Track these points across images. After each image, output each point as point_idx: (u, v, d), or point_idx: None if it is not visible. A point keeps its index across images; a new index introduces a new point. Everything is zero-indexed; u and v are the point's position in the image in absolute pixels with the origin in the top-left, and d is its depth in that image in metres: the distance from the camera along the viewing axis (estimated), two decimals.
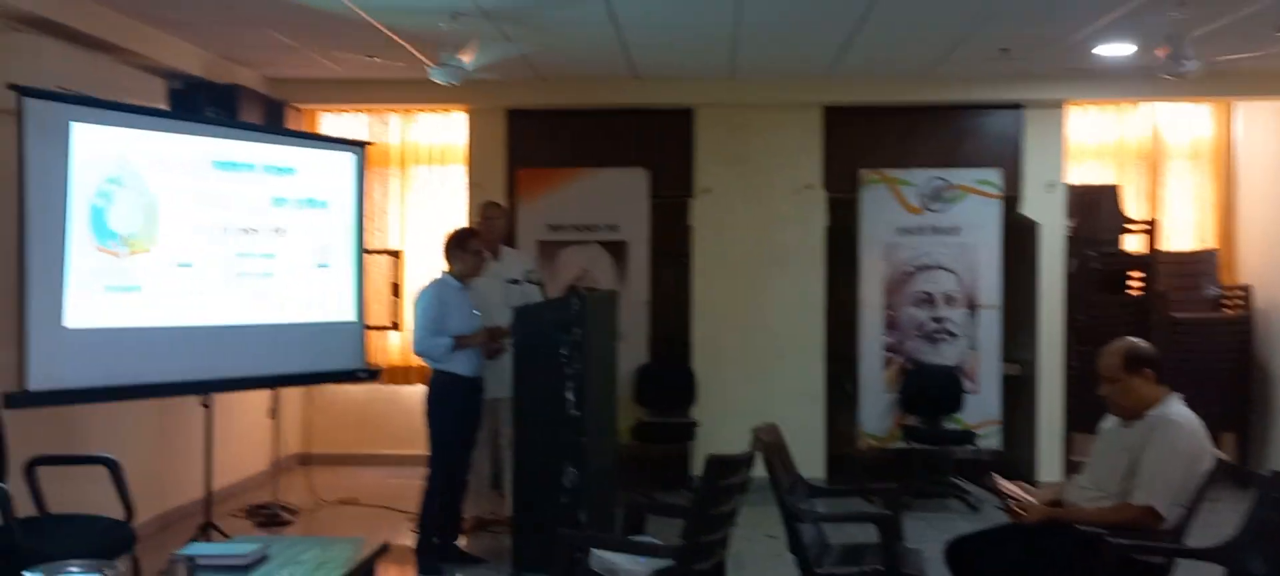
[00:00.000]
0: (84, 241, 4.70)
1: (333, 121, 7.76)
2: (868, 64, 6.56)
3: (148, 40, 5.62)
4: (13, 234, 4.43)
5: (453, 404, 5.16)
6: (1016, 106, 7.22)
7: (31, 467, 3.91)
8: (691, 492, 5.29)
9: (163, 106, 5.93)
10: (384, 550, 3.69)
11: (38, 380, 4.45)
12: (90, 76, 5.16)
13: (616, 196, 7.20)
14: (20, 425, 4.22)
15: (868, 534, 4.09)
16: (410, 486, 6.67)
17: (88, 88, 5.00)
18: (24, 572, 2.48)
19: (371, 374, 6.35)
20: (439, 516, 5.23)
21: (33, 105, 4.50)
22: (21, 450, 3.96)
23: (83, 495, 3.95)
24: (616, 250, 7.18)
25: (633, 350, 7.01)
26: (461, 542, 5.43)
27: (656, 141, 7.36)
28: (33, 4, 4.69)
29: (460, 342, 5.09)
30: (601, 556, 3.70)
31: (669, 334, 7.29)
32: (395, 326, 7.45)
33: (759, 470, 3.77)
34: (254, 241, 5.49)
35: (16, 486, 3.79)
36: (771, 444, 4.10)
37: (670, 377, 7.17)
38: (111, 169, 4.85)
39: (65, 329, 4.61)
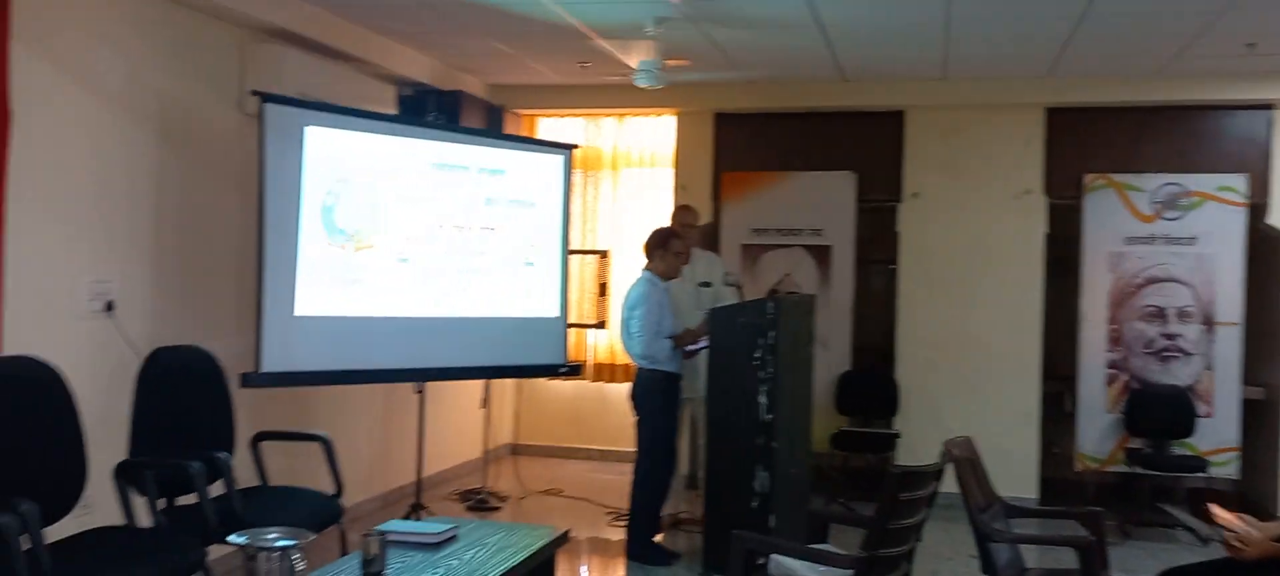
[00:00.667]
0: (314, 236, 5.09)
1: (549, 126, 8.06)
2: (1093, 61, 6.16)
3: (381, 50, 6.02)
4: (252, 229, 4.86)
5: (665, 400, 5.28)
6: (1266, 107, 6.60)
7: (257, 442, 4.27)
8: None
9: (392, 112, 6.33)
10: (564, 539, 3.79)
11: (270, 363, 4.85)
12: (327, 84, 5.58)
13: (822, 200, 7.10)
14: (253, 403, 4.62)
15: (1072, 559, 3.85)
16: (612, 481, 6.86)
17: (324, 94, 5.42)
18: (230, 536, 2.72)
19: (573, 369, 6.53)
20: (652, 509, 5.34)
21: (272, 110, 4.91)
22: (251, 426, 4.33)
23: (304, 470, 4.28)
24: (820, 255, 7.08)
25: (834, 357, 6.90)
26: (658, 539, 5.51)
27: (864, 144, 7.20)
28: (278, 17, 5.12)
29: (676, 342, 5.21)
30: (781, 562, 3.66)
31: (873, 342, 7.12)
32: (601, 325, 7.64)
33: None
34: (467, 239, 5.77)
35: (244, 458, 4.15)
36: (964, 459, 3.93)
37: (872, 386, 6.99)
38: (341, 169, 5.22)
39: (295, 317, 5.00)
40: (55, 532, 3.22)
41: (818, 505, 5.77)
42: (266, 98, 4.90)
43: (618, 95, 7.14)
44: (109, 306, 4.31)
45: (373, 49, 5.95)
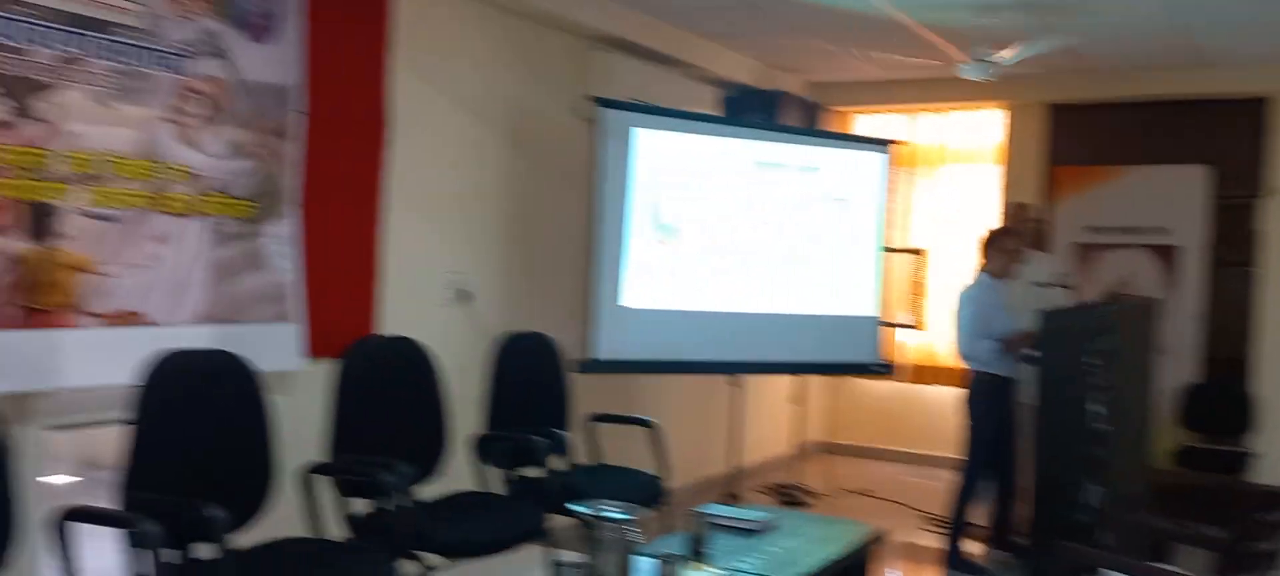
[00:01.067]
0: (641, 233, 5.38)
1: (867, 122, 7.99)
2: None
3: (705, 53, 6.26)
4: (585, 226, 5.22)
5: (992, 404, 5.13)
6: None
7: (590, 423, 4.60)
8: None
9: (714, 112, 6.55)
10: (878, 539, 3.79)
11: (601, 351, 5.20)
12: (654, 87, 5.88)
13: (1167, 196, 6.57)
14: (588, 388, 4.98)
15: None
16: (925, 485, 6.72)
17: (651, 97, 5.71)
18: (568, 504, 2.97)
19: (885, 368, 6.46)
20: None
21: (606, 114, 5.25)
22: (585, 408, 4.66)
23: (627, 451, 4.55)
24: (1164, 255, 6.56)
25: (1180, 367, 6.37)
26: (1014, 544, 5.33)
27: (1219, 135, 6.58)
28: (614, 26, 5.46)
29: (1006, 345, 5.04)
30: None
31: (1225, 351, 6.50)
32: (918, 325, 7.48)
33: None
34: (784, 236, 5.87)
35: (578, 438, 4.48)
36: None
37: (1225, 400, 6.38)
38: (666, 169, 5.48)
39: (623, 308, 5.32)
40: (424, 493, 3.64)
41: (1158, 523, 5.36)
42: (602, 102, 5.24)
43: (940, 89, 6.96)
44: (466, 295, 4.81)
45: (698, 52, 6.19)
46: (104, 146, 3.26)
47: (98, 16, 3.22)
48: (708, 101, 6.55)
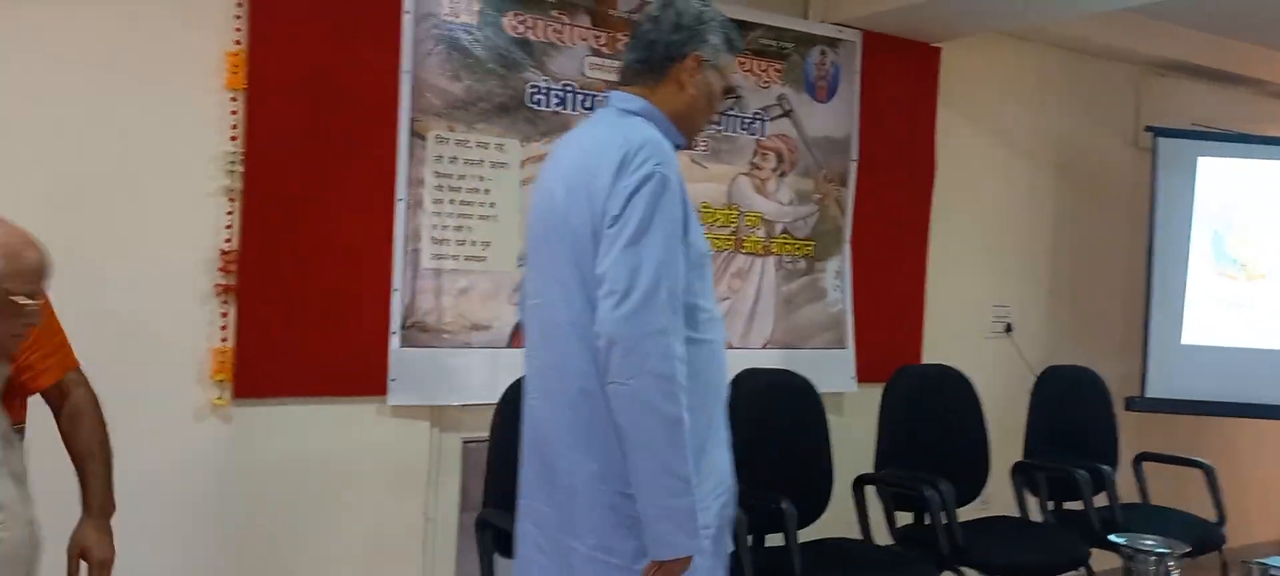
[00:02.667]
0: (1203, 265, 5.10)
1: None
2: None
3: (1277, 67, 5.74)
4: (1140, 258, 5.08)
5: None
6: None
7: (1138, 462, 4.50)
8: None
9: None
10: None
11: (1154, 388, 5.02)
12: (1220, 110, 5.52)
13: None
14: (1136, 425, 4.85)
15: None
16: None
17: (1216, 122, 5.38)
18: (1110, 535, 3.03)
19: None
20: None
21: (1165, 143, 5.07)
22: (1133, 446, 4.57)
23: (1184, 495, 4.38)
24: None
25: None
26: None
27: None
28: (1174, 50, 5.24)
29: None
30: None
31: None
32: None
33: None
34: None
35: (1125, 476, 4.41)
36: None
37: None
38: (1233, 197, 5.14)
39: (1181, 345, 5.07)
40: (961, 515, 3.87)
41: None
42: (1159, 132, 5.07)
43: None
44: (1008, 328, 4.96)
45: (1273, 68, 5.68)
46: (700, 199, 3.97)
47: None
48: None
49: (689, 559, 1.92)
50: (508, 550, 2.87)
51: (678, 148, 2.10)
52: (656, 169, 1.93)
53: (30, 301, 1.88)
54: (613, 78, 3.72)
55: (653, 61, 2.11)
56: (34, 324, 1.94)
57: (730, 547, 2.17)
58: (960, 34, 4.50)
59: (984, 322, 4.92)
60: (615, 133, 2.01)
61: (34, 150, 2.92)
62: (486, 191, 3.55)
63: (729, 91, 2.20)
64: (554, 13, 3.65)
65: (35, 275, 1.90)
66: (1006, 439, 4.31)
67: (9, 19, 2.87)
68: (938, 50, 4.59)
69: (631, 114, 2.09)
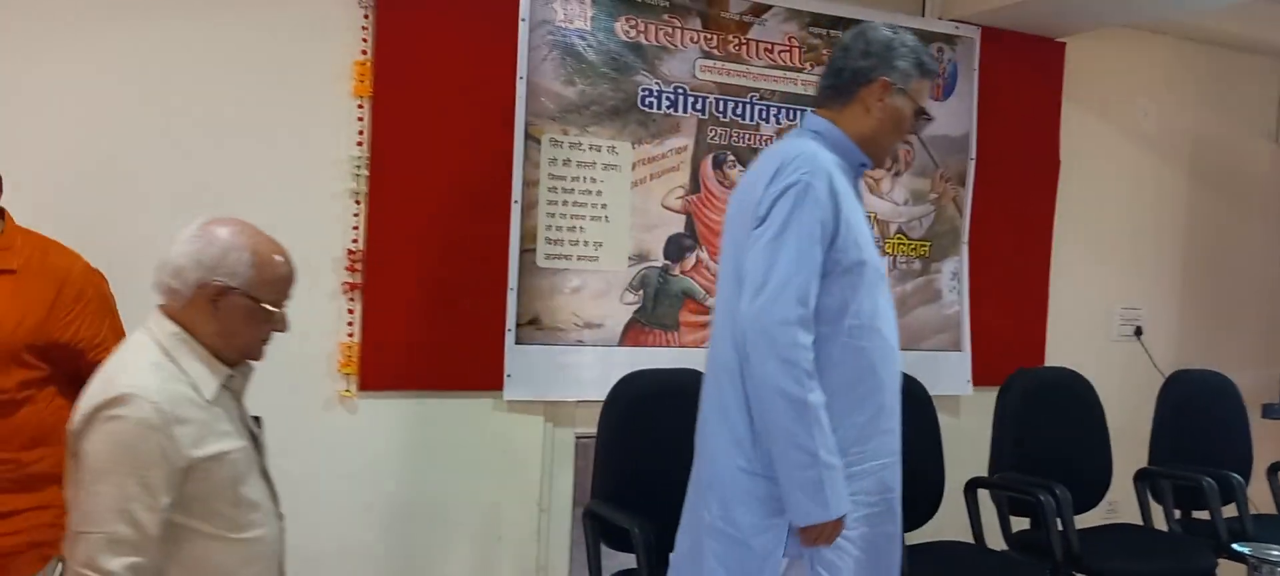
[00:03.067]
0: None
1: None
2: None
3: None
4: (1279, 261, 4.85)
5: None
6: None
7: (1274, 471, 4.29)
8: None
9: None
10: None
11: None
12: None
13: None
14: (1272, 434, 4.64)
15: None
16: None
17: None
18: (1234, 544, 2.92)
19: None
20: None
21: None
22: (1268, 456, 4.37)
23: None
24: None
25: None
26: None
27: None
28: None
29: None
30: None
31: None
32: None
33: None
34: None
35: (1259, 486, 4.22)
36: None
37: None
38: None
39: None
40: (1082, 521, 3.78)
41: None
42: None
43: None
44: (1138, 331, 4.80)
45: None
46: None
47: (812, 95, 3.95)
48: None
49: (828, 524, 2.08)
50: (615, 542, 2.96)
51: (863, 167, 2.30)
52: (802, 177, 2.10)
53: (277, 310, 1.97)
54: (723, 79, 3.80)
55: (840, 86, 2.28)
56: (280, 330, 2.01)
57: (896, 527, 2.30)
58: (1083, 28, 4.39)
59: (1112, 325, 4.77)
60: (786, 148, 2.20)
61: (183, 149, 3.14)
62: (598, 193, 3.64)
63: (920, 114, 2.32)
64: (666, 16, 3.72)
65: (283, 283, 1.97)
66: (1134, 444, 4.18)
67: (163, 29, 3.10)
68: (1062, 45, 4.48)
69: (813, 133, 2.28)
